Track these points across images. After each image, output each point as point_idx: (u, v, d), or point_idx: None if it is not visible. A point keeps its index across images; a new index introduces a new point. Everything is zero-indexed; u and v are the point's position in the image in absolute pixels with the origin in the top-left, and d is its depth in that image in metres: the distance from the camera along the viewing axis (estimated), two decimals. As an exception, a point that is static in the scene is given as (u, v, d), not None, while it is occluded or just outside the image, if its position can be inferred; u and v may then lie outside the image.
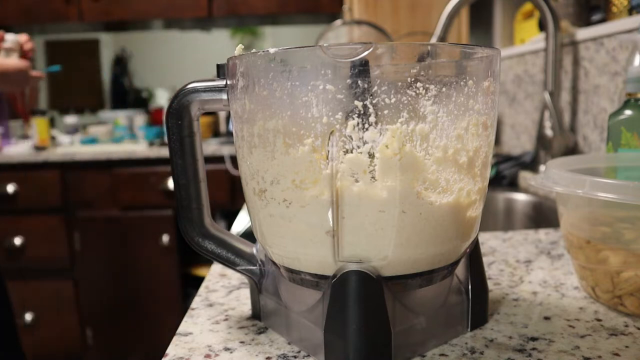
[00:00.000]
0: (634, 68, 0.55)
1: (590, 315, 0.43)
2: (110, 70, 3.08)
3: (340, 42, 1.72)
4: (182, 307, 2.00)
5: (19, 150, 2.03)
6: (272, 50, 0.33)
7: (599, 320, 0.42)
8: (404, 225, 0.34)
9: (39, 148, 2.05)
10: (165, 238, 1.95)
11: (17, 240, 1.94)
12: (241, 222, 0.83)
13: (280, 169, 0.35)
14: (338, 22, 1.92)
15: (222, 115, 2.28)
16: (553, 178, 0.45)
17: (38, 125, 2.06)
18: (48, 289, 1.99)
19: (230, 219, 2.12)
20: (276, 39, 3.05)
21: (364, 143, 0.32)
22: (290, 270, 0.38)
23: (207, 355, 0.37)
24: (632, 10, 0.90)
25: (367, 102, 0.32)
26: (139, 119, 2.39)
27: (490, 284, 0.49)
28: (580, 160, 0.53)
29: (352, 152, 0.33)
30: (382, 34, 1.73)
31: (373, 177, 0.33)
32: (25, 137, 2.31)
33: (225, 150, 1.94)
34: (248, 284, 0.46)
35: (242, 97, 0.36)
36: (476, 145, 0.36)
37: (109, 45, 3.14)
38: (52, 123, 2.50)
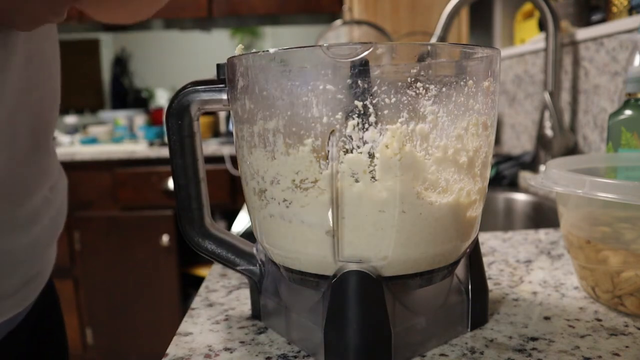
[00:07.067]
0: (634, 68, 0.55)
1: (590, 315, 0.43)
2: (110, 70, 3.08)
3: (340, 42, 1.72)
4: (182, 307, 2.00)
5: (19, 150, 2.02)
6: (272, 50, 0.33)
7: (599, 320, 0.42)
8: (404, 225, 0.34)
9: (39, 148, 2.04)
10: (165, 238, 1.95)
11: (17, 240, 1.94)
12: (241, 222, 0.83)
13: (280, 169, 0.35)
14: (338, 22, 1.92)
15: (222, 115, 2.28)
16: (553, 178, 0.45)
17: (38, 125, 2.06)
18: (48, 289, 1.99)
19: (230, 219, 2.12)
20: (276, 39, 3.05)
21: (364, 143, 0.32)
22: (290, 270, 0.37)
23: (207, 355, 0.37)
24: (632, 10, 0.90)
25: (367, 102, 0.32)
26: (139, 119, 2.39)
27: (490, 284, 0.49)
28: (580, 160, 0.53)
29: (352, 152, 0.33)
30: (382, 34, 1.73)
31: (373, 177, 0.33)
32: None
33: (225, 150, 1.94)
34: (248, 284, 0.46)
35: (242, 97, 0.36)
36: (476, 145, 0.36)
37: (109, 45, 3.14)
38: (52, 123, 2.49)
